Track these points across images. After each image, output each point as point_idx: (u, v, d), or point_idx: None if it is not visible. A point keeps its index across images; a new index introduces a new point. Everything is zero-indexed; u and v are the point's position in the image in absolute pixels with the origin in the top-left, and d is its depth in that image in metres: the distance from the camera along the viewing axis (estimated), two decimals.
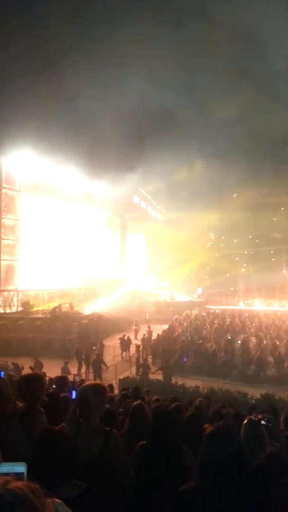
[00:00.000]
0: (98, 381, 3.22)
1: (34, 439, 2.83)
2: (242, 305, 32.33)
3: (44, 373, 10.27)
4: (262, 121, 41.02)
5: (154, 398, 6.47)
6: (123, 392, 7.03)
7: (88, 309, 24.72)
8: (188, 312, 29.15)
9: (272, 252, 45.22)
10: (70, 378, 13.44)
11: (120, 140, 35.03)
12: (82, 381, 12.04)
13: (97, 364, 15.90)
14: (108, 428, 2.67)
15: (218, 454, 1.74)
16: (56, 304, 23.68)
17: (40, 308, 24.03)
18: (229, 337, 19.80)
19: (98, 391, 2.79)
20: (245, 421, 3.71)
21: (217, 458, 1.73)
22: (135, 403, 4.22)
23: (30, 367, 11.95)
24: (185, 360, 17.53)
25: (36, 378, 3.16)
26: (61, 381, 5.56)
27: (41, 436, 2.16)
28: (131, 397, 6.20)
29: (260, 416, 5.45)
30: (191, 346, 18.79)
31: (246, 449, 3.54)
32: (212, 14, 37.23)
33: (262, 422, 3.80)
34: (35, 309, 23.54)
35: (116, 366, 16.48)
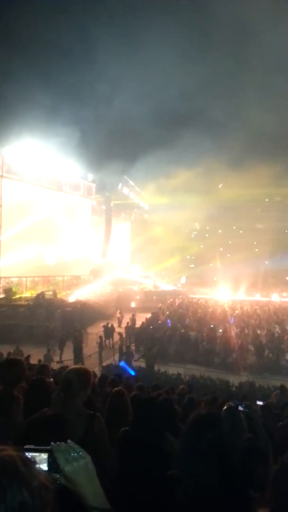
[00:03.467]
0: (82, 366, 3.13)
1: (15, 423, 2.85)
2: (225, 295, 32.67)
3: (26, 359, 10.21)
4: (250, 112, 41.21)
5: (137, 385, 6.46)
6: (102, 376, 7.01)
7: (72, 296, 24.57)
8: (172, 301, 29.33)
9: (255, 243, 45.76)
10: (53, 365, 13.49)
11: (107, 127, 34.64)
12: (63, 367, 12.05)
13: (79, 351, 15.90)
14: (92, 412, 2.66)
15: (200, 440, 1.73)
16: (39, 292, 23.44)
17: (23, 295, 23.74)
18: (211, 326, 20.02)
19: (82, 375, 2.77)
20: (224, 408, 3.77)
21: (199, 444, 1.72)
22: (115, 389, 4.19)
23: (9, 354, 11.83)
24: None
25: (15, 363, 3.13)
26: (42, 369, 5.47)
27: (36, 419, 2.11)
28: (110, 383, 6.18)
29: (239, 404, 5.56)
30: (174, 334, 18.96)
31: (225, 435, 3.63)
32: None
33: (240, 408, 3.87)
34: (17, 296, 23.25)
35: (99, 353, 16.52)
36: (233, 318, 19.97)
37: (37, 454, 1.14)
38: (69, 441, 1.27)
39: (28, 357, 10.17)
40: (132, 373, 8.48)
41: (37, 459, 1.13)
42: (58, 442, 1.22)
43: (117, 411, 3.67)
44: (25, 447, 1.14)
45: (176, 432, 3.28)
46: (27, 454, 1.07)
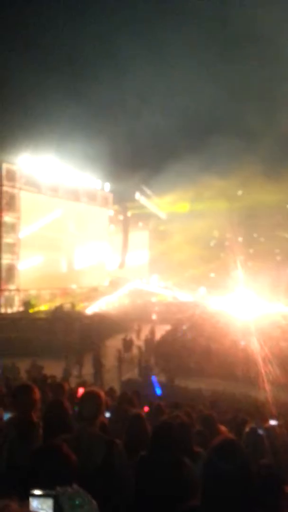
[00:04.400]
0: (95, 388, 3.08)
1: (32, 448, 2.76)
2: (247, 305, 31.86)
3: (45, 376, 10.00)
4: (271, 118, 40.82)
5: (155, 405, 6.12)
6: (121, 398, 6.73)
7: (90, 309, 24.49)
8: (192, 312, 28.79)
9: (277, 250, 44.79)
10: (72, 380, 13.30)
11: (124, 137, 34.89)
12: (82, 383, 11.82)
13: (98, 365, 15.66)
14: (111, 439, 2.68)
15: (224, 469, 1.70)
16: (57, 304, 23.47)
17: (42, 308, 23.82)
18: (233, 338, 19.41)
19: (95, 399, 2.76)
20: (246, 431, 3.65)
21: (222, 473, 1.68)
22: (133, 413, 4.06)
23: (27, 371, 11.71)
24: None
25: (29, 389, 3.08)
26: (58, 389, 5.23)
27: (39, 452, 2.11)
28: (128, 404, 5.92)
29: (267, 424, 5.21)
30: (194, 347, 18.49)
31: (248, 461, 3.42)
32: None
33: (260, 432, 3.73)
34: (36, 309, 23.34)
35: (119, 368, 16.25)
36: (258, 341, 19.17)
37: (42, 499, 1.18)
38: (74, 485, 1.30)
39: (44, 376, 9.87)
40: (159, 392, 8.20)
41: (43, 505, 1.16)
42: (63, 487, 1.24)
43: (135, 435, 3.59)
44: (30, 494, 1.18)
45: (193, 456, 3.22)
46: (32, 500, 1.14)
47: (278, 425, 4.91)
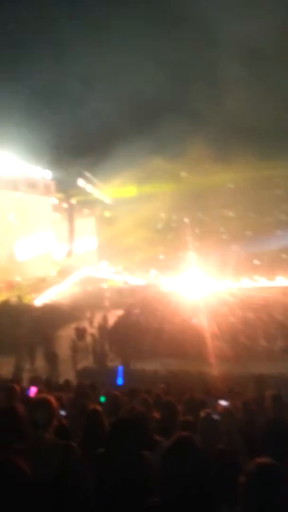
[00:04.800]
0: (45, 394, 2.96)
1: None
2: (196, 284, 32.81)
3: None
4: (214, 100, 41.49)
5: (111, 395, 6.03)
6: (78, 392, 6.58)
7: (38, 300, 23.80)
8: (143, 295, 29.07)
9: (222, 230, 46.33)
10: (24, 375, 12.89)
11: (64, 122, 33.70)
12: (35, 378, 11.47)
13: (51, 357, 15.33)
14: (66, 443, 2.65)
15: (180, 467, 1.75)
16: (3, 298, 22.52)
17: None
18: (184, 317, 19.91)
19: (47, 405, 2.74)
20: (202, 416, 3.70)
21: (179, 472, 1.73)
22: (90, 408, 4.04)
23: None
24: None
25: None
26: (9, 393, 4.94)
27: None
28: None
29: (219, 406, 5.34)
30: (148, 329, 18.70)
31: (205, 443, 3.53)
32: None
33: (215, 417, 3.83)
34: None
35: (73, 357, 16.03)
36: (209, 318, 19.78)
37: None
38: None
39: None
40: (120, 382, 8.17)
41: None
42: None
43: (92, 432, 3.58)
44: None
45: (153, 446, 3.23)
46: None
47: (231, 407, 5.05)
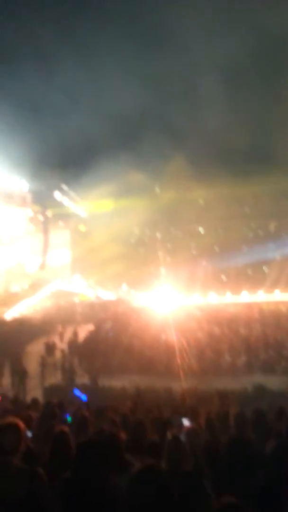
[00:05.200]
0: (13, 418, 3.02)
1: None
2: (166, 300, 33.19)
3: None
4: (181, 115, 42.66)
5: (79, 416, 6.13)
6: (45, 412, 6.67)
7: (8, 314, 23.38)
8: (114, 310, 29.15)
9: (193, 244, 47.15)
10: None
11: (43, 135, 33.71)
12: (2, 395, 11.35)
13: (20, 374, 15.12)
14: (32, 469, 2.60)
15: (145, 495, 1.85)
16: None
17: None
18: (154, 333, 20.12)
19: (15, 431, 2.69)
20: (168, 438, 3.82)
21: (144, 500, 1.84)
22: (57, 430, 4.02)
23: None
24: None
25: None
26: None
27: None
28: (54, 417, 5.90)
29: (184, 426, 5.58)
30: (117, 345, 18.80)
31: (172, 465, 3.64)
32: None
33: (181, 438, 3.96)
34: None
35: (41, 373, 15.86)
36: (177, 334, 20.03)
37: None
38: None
39: None
40: (84, 399, 8.22)
41: None
42: None
43: (59, 455, 3.54)
44: None
45: (122, 467, 3.26)
46: None
47: (196, 426, 5.29)
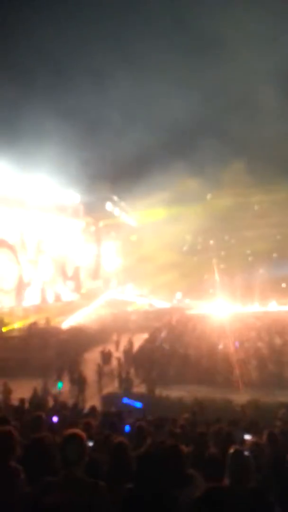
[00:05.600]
0: (77, 430, 2.98)
1: (18, 497, 2.65)
2: (223, 307, 32.36)
3: (21, 404, 9.61)
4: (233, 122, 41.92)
5: (137, 426, 6.00)
6: (103, 423, 6.61)
7: (66, 323, 24.09)
8: (169, 319, 28.93)
9: (248, 251, 45.73)
10: (50, 398, 13.00)
11: (94, 147, 34.88)
12: (62, 403, 11.55)
13: (80, 381, 15.37)
14: (94, 481, 2.57)
15: None
16: (32, 321, 22.94)
17: (15, 325, 23.19)
18: (211, 342, 19.53)
19: (78, 441, 2.68)
20: (231, 452, 3.59)
21: None
22: (116, 441, 3.96)
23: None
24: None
25: (10, 435, 2.96)
26: (36, 422, 5.02)
27: None
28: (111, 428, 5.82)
29: (247, 441, 5.23)
30: (173, 355, 18.52)
31: (236, 482, 3.40)
32: None
33: (245, 453, 3.69)
34: (10, 327, 22.70)
35: (98, 382, 16.03)
36: (237, 342, 19.37)
37: None
38: None
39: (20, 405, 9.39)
40: (138, 405, 8.06)
41: None
42: None
43: (119, 466, 3.51)
44: None
45: (184, 480, 3.18)
46: None
47: (260, 441, 4.93)
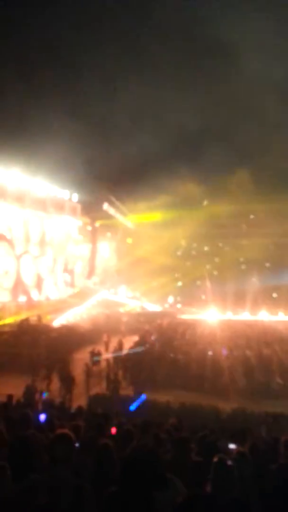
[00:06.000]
0: (66, 430, 3.04)
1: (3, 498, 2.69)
2: (214, 314, 32.50)
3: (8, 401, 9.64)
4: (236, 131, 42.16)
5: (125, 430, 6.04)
6: (89, 424, 6.64)
7: (57, 321, 24.06)
8: (159, 322, 29.00)
9: (241, 259, 45.95)
10: (37, 396, 12.99)
11: (92, 147, 34.94)
12: (49, 402, 11.57)
13: (68, 381, 15.36)
14: (80, 483, 2.63)
15: None
16: (23, 317, 22.90)
17: (7, 321, 23.13)
18: (209, 353, 19.42)
19: (66, 441, 2.72)
20: (215, 460, 3.60)
21: None
22: (101, 443, 4.02)
23: None
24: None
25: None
26: (24, 421, 5.06)
27: None
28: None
29: (232, 450, 5.29)
30: (162, 358, 18.57)
31: (218, 490, 3.45)
32: None
33: (229, 463, 3.72)
34: (1, 322, 22.64)
35: (86, 382, 16.03)
36: (225, 350, 19.47)
37: None
38: None
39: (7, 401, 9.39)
40: (132, 408, 8.04)
41: None
42: None
43: (103, 468, 3.52)
44: None
45: (164, 484, 3.17)
46: None
47: (244, 450, 4.99)
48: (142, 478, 2.62)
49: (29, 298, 26.51)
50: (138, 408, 12.23)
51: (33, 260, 27.21)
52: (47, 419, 6.62)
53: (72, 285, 30.95)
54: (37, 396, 12.95)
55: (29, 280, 26.71)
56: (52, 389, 15.41)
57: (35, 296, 26.94)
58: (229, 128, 44.61)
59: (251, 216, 47.76)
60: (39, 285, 27.58)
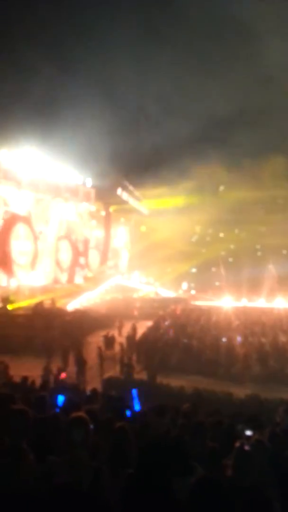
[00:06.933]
0: (83, 414, 2.99)
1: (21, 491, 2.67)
2: (228, 301, 32.28)
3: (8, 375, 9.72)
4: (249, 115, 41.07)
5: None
6: (106, 403, 6.63)
7: (71, 305, 24.25)
8: (173, 308, 28.96)
9: (258, 246, 45.35)
10: (52, 378, 13.13)
11: (107, 132, 34.61)
12: (63, 383, 11.68)
13: (81, 363, 15.49)
14: (98, 465, 2.65)
15: (207, 502, 1.83)
16: (38, 300, 23.13)
17: (21, 304, 23.41)
18: (223, 339, 19.30)
19: (82, 423, 2.73)
20: (237, 447, 3.58)
21: (205, 507, 1.82)
22: (118, 425, 3.96)
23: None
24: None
25: (26, 414, 2.99)
26: (40, 401, 5.06)
27: None
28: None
29: (249, 436, 5.20)
30: (176, 344, 18.57)
31: (238, 476, 3.41)
32: None
33: (246, 447, 3.70)
34: (15, 305, 22.92)
35: (100, 365, 16.15)
36: (239, 337, 19.27)
37: None
38: None
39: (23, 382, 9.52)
40: (137, 408, 7.96)
41: None
42: None
43: (120, 451, 3.51)
44: None
45: (186, 469, 3.19)
46: None
47: (261, 437, 4.89)
48: (160, 462, 2.58)
49: (47, 281, 26.77)
50: (149, 393, 12.22)
51: (51, 244, 27.37)
52: (65, 401, 6.64)
53: (86, 269, 31.10)
54: (52, 378, 13.09)
55: (46, 264, 26.97)
56: (69, 372, 15.56)
57: (54, 279, 27.17)
58: (255, 113, 43.38)
59: (269, 202, 46.70)
60: (59, 267, 27.83)
